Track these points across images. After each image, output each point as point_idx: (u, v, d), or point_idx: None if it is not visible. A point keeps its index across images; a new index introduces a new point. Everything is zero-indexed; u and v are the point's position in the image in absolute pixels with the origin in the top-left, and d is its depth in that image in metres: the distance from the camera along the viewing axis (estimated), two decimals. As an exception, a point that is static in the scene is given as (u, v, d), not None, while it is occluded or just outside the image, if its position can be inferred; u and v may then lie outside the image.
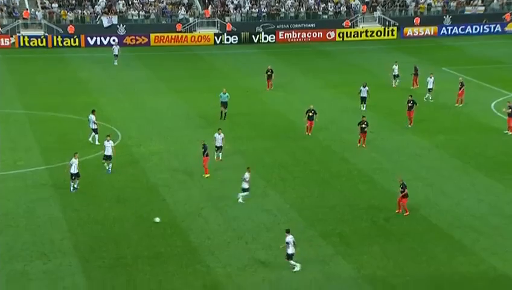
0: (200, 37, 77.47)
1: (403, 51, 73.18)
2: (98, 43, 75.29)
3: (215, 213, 33.91)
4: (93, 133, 43.56)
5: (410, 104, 46.20)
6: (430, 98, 52.64)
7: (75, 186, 36.18)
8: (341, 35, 79.24)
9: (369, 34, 79.72)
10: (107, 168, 38.59)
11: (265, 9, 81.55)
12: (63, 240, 31.02)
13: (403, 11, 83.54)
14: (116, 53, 65.81)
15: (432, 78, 52.94)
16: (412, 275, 28.20)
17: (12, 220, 33.00)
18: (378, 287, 27.36)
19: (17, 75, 62.16)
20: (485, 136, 44.97)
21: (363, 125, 42.39)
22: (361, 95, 50.54)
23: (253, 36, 78.07)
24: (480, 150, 42.42)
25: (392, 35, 79.93)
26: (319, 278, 27.97)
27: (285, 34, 78.71)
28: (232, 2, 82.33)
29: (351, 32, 79.55)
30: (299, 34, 78.95)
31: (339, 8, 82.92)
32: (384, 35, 79.87)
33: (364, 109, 50.00)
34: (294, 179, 38.21)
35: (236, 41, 77.62)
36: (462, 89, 51.32)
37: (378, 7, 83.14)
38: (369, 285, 27.47)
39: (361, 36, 79.50)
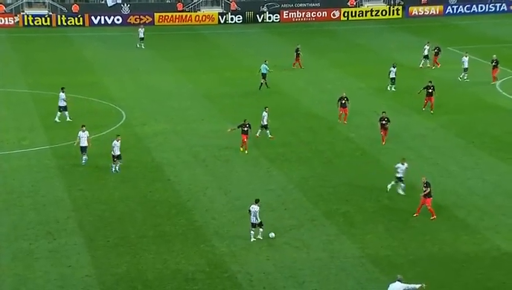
0: (204, 17, 77.20)
1: (408, 30, 72.88)
2: (102, 22, 75.08)
3: (220, 193, 34.00)
4: (62, 112, 43.18)
5: (430, 90, 44.80)
6: (466, 77, 52.11)
7: (117, 169, 35.88)
8: (346, 14, 78.86)
9: (374, 13, 79.33)
10: (82, 161, 36.90)
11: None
12: (68, 219, 31.17)
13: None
14: (142, 36, 64.22)
15: (468, 57, 52.45)
16: (415, 254, 28.29)
17: (17, 199, 33.15)
18: (382, 266, 27.46)
19: (21, 55, 62.11)
20: (489, 116, 44.88)
21: (384, 122, 39.68)
22: (391, 76, 49.99)
23: (257, 16, 77.77)
24: (485, 130, 42.37)
25: (397, 14, 79.54)
26: (323, 258, 28.08)
27: (290, 14, 78.38)
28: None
29: (355, 12, 79.18)
30: (303, 13, 78.58)
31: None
32: (389, 14, 79.48)
33: (393, 89, 49.71)
34: (298, 159, 38.24)
35: (241, 21, 77.35)
36: (496, 68, 51.02)
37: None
38: (372, 264, 27.58)
39: (366, 15, 79.13)
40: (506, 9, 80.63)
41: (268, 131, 40.68)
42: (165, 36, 66.73)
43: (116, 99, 48.62)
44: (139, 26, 66.00)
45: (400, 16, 79.33)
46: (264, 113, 40.45)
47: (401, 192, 33.30)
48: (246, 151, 38.57)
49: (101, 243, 29.16)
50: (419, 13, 79.99)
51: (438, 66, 56.21)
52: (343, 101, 43.49)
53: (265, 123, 40.51)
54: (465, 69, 52.40)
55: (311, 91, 51.16)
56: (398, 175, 33.36)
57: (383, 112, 40.22)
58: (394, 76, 49.80)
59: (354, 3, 79.80)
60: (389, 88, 49.96)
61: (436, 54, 56.48)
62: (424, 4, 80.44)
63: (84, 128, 37.07)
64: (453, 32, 71.07)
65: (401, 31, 72.63)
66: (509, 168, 36.43)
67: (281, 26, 76.10)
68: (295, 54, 56.96)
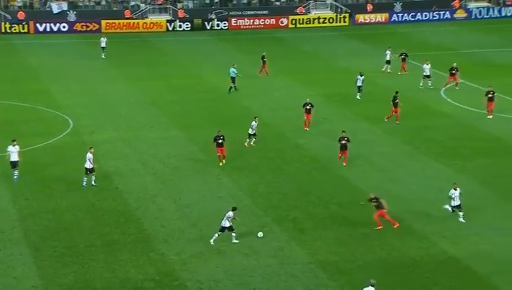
0: (152, 24, 76.85)
1: (355, 37, 73.79)
2: (48, 29, 74.11)
3: (169, 201, 33.84)
4: None
5: (396, 101, 44.68)
6: (429, 84, 52.38)
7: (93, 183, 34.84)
8: (294, 22, 79.46)
9: (321, 20, 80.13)
10: (14, 177, 35.41)
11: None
12: (13, 229, 30.63)
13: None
14: (104, 45, 63.29)
15: (429, 65, 53.17)
16: (364, 260, 28.60)
17: (-39, 210, 32.44)
18: (330, 272, 27.67)
19: (-35, 62, 60.90)
20: (434, 122, 45.68)
21: (343, 142, 37.85)
22: (358, 84, 50.21)
23: (206, 23, 77.78)
24: (430, 136, 43.11)
25: (344, 22, 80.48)
26: (273, 264, 28.17)
27: (238, 21, 78.60)
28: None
29: (303, 19, 79.86)
30: (251, 20, 78.92)
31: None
32: (336, 22, 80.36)
33: (359, 98, 49.81)
34: (247, 166, 38.31)
35: (189, 28, 77.23)
36: (455, 75, 52.05)
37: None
38: (322, 270, 27.78)
39: (313, 23, 79.86)
40: (449, 17, 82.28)
41: (254, 139, 40.56)
42: (112, 44, 66.14)
43: (63, 107, 48.02)
44: (101, 36, 64.90)
45: (347, 24, 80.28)
46: (253, 123, 40.33)
47: (462, 220, 31.75)
48: (221, 164, 37.83)
49: (47, 253, 28.73)
50: (366, 21, 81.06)
51: (405, 72, 56.75)
52: (308, 107, 43.86)
53: (253, 132, 40.38)
54: (427, 76, 53.23)
55: (260, 98, 51.35)
56: (455, 203, 31.69)
57: (343, 132, 38.39)
58: (361, 84, 50.09)
59: (304, 11, 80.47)
60: (359, 97, 50.18)
61: (404, 60, 57.20)
62: (370, 12, 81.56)
63: (15, 142, 35.61)
64: (398, 39, 72.17)
65: (348, 38, 73.49)
66: (454, 173, 37.12)
67: (229, 33, 76.25)
68: (261, 61, 57.10)
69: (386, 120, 45.20)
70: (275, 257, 28.72)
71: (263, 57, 57.27)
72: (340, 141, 37.92)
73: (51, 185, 35.38)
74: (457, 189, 31.73)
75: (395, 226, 31.06)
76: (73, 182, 35.53)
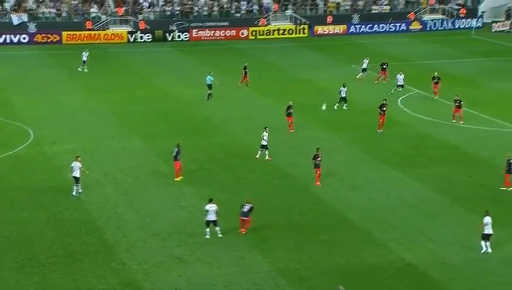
0: (113, 35, 76.81)
1: (314, 48, 74.66)
2: (8, 41, 73.62)
3: (131, 211, 33.96)
4: None
5: (384, 109, 45.82)
6: (344, 107, 52.67)
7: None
8: (254, 33, 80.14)
9: (281, 32, 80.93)
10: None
11: (179, 8, 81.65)
12: (-26, 241, 30.47)
13: (314, 10, 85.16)
14: (85, 59, 62.33)
15: (402, 75, 54.14)
16: (324, 267, 29.03)
17: None
18: (291, 279, 28.04)
19: None
20: (391, 131, 46.44)
21: (318, 160, 36.87)
22: (341, 95, 50.72)
23: (167, 34, 77.99)
24: (388, 145, 43.87)
25: (304, 33, 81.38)
26: (235, 273, 28.46)
27: (199, 32, 79.01)
28: (145, 0, 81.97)
29: (263, 31, 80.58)
30: (212, 32, 79.40)
31: (251, 6, 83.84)
32: (295, 33, 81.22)
33: (346, 108, 50.40)
34: (209, 175, 38.58)
35: (150, 40, 77.38)
36: (437, 83, 53.18)
37: (289, 6, 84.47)
38: (283, 278, 28.13)
39: (273, 34, 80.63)
40: (405, 28, 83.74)
41: (267, 152, 40.58)
42: (73, 55, 66.00)
43: (24, 118, 47.81)
44: (83, 50, 64.04)
45: (306, 35, 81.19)
46: (264, 133, 40.46)
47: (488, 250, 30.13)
48: (178, 179, 37.47)
49: (8, 265, 28.64)
50: (324, 32, 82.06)
51: (384, 82, 57.60)
52: (290, 111, 45.10)
53: (265, 143, 40.44)
54: (400, 86, 54.29)
55: (222, 108, 51.69)
56: (487, 232, 29.85)
57: (317, 148, 37.51)
58: (345, 95, 50.62)
59: (265, 23, 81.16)
60: (345, 107, 50.66)
61: (384, 70, 58.19)
62: (329, 23, 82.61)
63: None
64: (356, 50, 73.20)
65: (308, 50, 74.33)
66: (410, 181, 37.88)
67: (190, 44, 76.58)
68: (243, 71, 57.55)
69: (379, 131, 45.55)
70: (236, 265, 29.03)
71: (245, 68, 57.81)
72: (314, 158, 36.97)
73: (11, 196, 35.24)
74: (487, 216, 29.84)
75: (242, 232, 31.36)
76: (34, 193, 35.44)
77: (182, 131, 45.97)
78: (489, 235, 29.99)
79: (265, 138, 40.55)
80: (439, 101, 50.36)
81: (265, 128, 40.97)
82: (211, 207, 31.03)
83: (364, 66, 59.29)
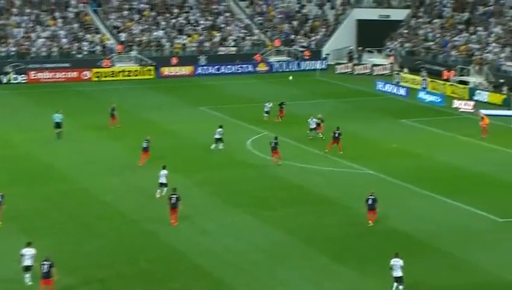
0: None
1: (160, 90, 73.84)
2: None
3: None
4: None
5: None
6: (220, 147, 51.51)
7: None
8: (97, 75, 78.25)
9: (126, 73, 79.59)
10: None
11: (15, 48, 78.44)
12: None
13: (159, 51, 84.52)
14: None
15: (314, 120, 54.23)
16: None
17: None
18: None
19: None
20: (242, 173, 46.27)
21: (172, 201, 36.23)
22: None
23: (1, 76, 74.53)
24: (238, 187, 43.53)
25: (150, 74, 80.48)
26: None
27: (38, 74, 76.17)
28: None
29: (107, 72, 78.88)
30: (52, 74, 76.81)
31: (93, 47, 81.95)
32: (141, 74, 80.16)
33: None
34: (51, 225, 36.49)
35: (-15, 81, 73.62)
36: (319, 126, 54.15)
37: (134, 47, 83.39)
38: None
39: (118, 76, 79.11)
40: (252, 70, 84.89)
41: (165, 189, 39.93)
42: None
43: None
44: None
45: (152, 76, 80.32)
46: (163, 171, 40.25)
47: None
48: None
49: None
50: (171, 73, 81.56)
51: (280, 120, 59.14)
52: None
53: (165, 181, 39.95)
54: (313, 129, 54.29)
55: (65, 153, 49.53)
56: (397, 274, 28.70)
57: (174, 189, 37.00)
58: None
59: (109, 64, 79.49)
60: (221, 147, 50.22)
61: (281, 109, 59.89)
62: (175, 65, 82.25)
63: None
64: (203, 92, 73.14)
65: (154, 91, 73.37)
66: (261, 224, 37.57)
67: (28, 87, 73.62)
68: (110, 113, 55.84)
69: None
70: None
71: (113, 109, 56.13)
72: (169, 199, 36.41)
73: None
74: (399, 260, 28.77)
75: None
76: None
77: (20, 178, 43.46)
78: (399, 277, 28.46)
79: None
80: (286, 142, 50.80)
81: (163, 166, 40.55)
82: (28, 251, 29.05)
83: (267, 108, 59.92)
